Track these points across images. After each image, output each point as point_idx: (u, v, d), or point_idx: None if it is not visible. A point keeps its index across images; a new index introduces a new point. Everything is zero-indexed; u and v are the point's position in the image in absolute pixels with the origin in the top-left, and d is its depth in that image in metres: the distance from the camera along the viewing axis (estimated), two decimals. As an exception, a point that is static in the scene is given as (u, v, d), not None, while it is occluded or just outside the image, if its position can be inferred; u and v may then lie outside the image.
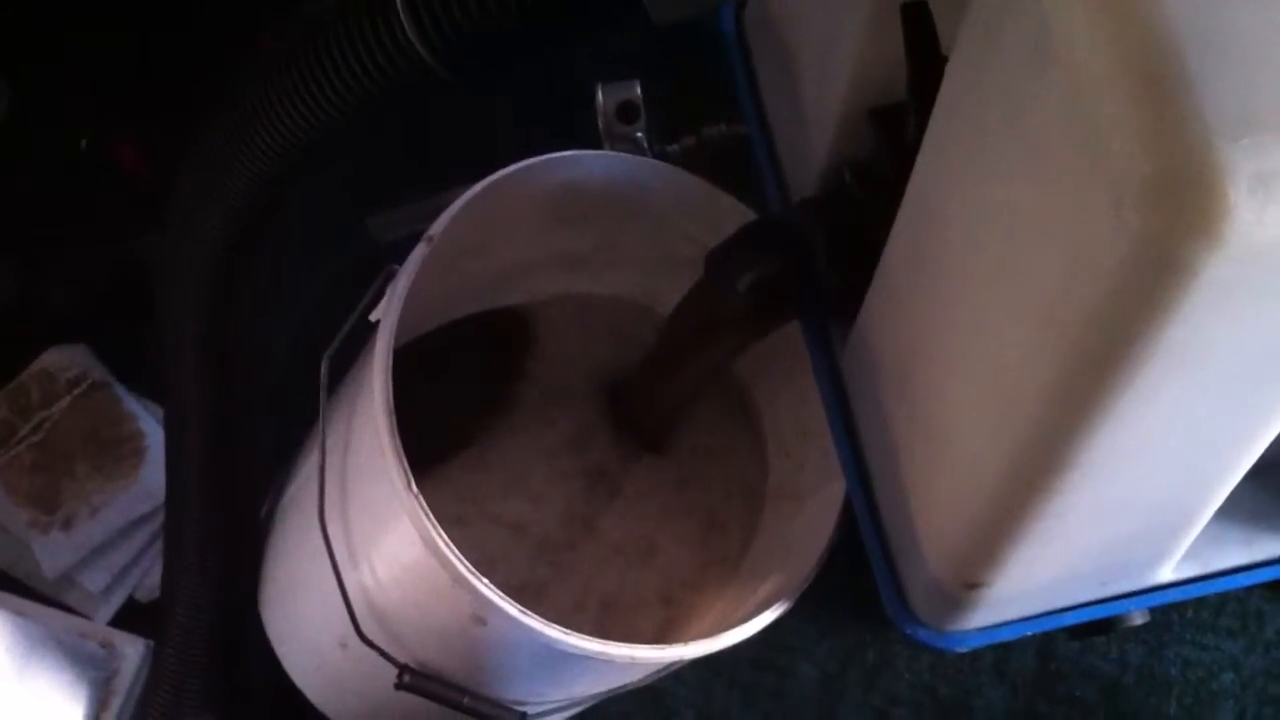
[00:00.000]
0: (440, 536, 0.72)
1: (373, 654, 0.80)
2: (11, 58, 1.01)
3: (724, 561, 0.95)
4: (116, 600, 1.08)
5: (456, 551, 0.72)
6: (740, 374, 0.97)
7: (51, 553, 1.07)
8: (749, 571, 0.93)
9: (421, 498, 0.72)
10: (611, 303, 1.00)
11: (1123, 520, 0.59)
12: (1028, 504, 0.55)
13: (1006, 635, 0.72)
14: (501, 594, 0.72)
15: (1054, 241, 0.47)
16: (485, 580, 0.72)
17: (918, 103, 0.62)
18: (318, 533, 0.81)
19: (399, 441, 0.73)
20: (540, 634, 0.73)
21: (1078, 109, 0.43)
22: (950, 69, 0.55)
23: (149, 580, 1.08)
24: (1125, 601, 0.71)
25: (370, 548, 0.80)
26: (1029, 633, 0.72)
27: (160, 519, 0.99)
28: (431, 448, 0.95)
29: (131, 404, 1.11)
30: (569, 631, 0.73)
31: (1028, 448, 0.53)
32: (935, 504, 0.66)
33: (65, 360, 1.12)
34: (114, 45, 1.05)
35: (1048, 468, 0.52)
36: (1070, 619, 0.71)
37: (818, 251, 0.73)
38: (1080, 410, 0.48)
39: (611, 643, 0.74)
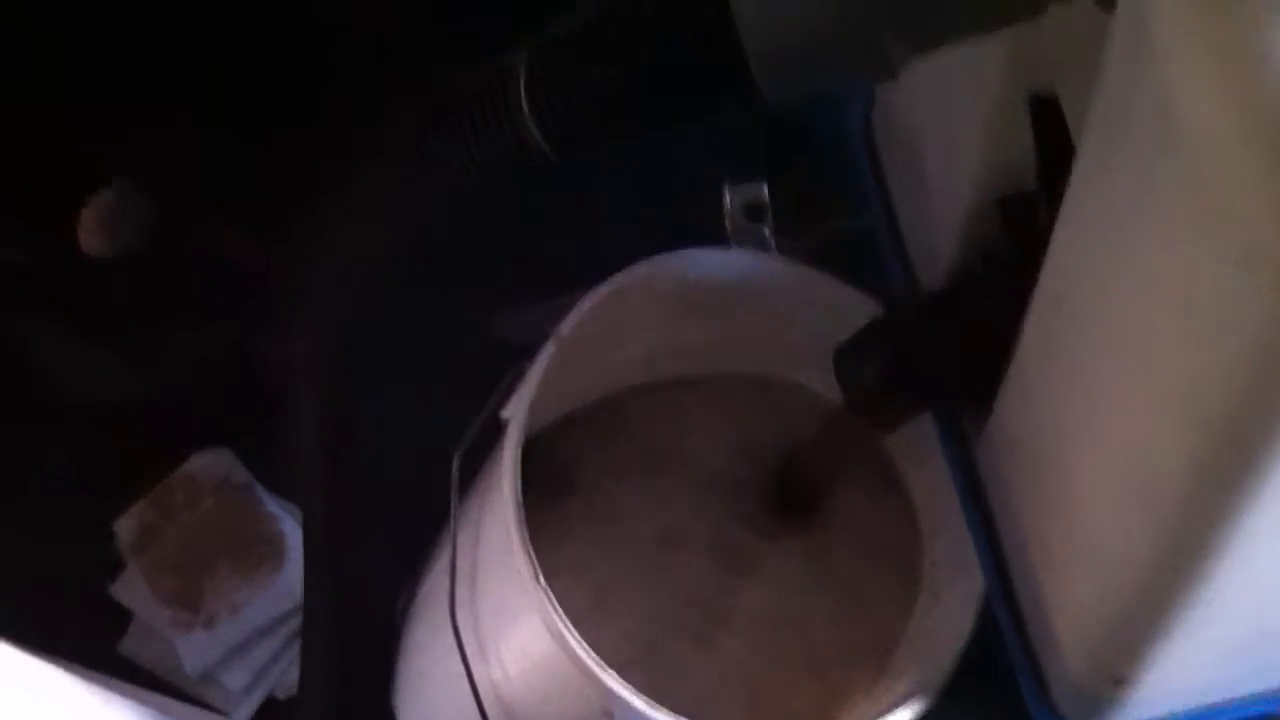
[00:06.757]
0: (568, 629, 0.72)
1: (504, 750, 0.80)
2: (155, 174, 1.05)
3: (878, 637, 0.93)
4: (257, 698, 1.10)
5: (584, 644, 0.72)
6: (891, 454, 0.96)
7: (194, 651, 1.09)
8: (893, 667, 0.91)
9: (550, 591, 0.73)
10: (740, 381, 0.99)
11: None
12: (1174, 592, 0.53)
13: (1158, 735, 0.69)
14: (629, 687, 0.72)
15: (1191, 321, 0.46)
16: (612, 672, 0.72)
17: (1048, 192, 0.62)
18: (449, 629, 0.82)
19: (527, 535, 0.74)
20: (668, 729, 0.72)
21: (1207, 183, 0.42)
22: (1079, 154, 0.54)
23: (288, 678, 1.10)
24: (1287, 698, 0.68)
25: (500, 642, 0.80)
26: (1182, 731, 0.69)
27: (300, 618, 1.01)
28: (565, 533, 0.95)
29: (272, 505, 1.14)
30: (697, 727, 0.72)
31: (1172, 532, 0.51)
32: (1075, 596, 0.64)
33: (209, 464, 1.15)
34: (234, 143, 1.08)
35: (1194, 553, 0.51)
36: (1228, 715, 0.68)
37: (946, 344, 0.73)
38: (1227, 490, 0.47)
39: (742, 741, 0.73)
